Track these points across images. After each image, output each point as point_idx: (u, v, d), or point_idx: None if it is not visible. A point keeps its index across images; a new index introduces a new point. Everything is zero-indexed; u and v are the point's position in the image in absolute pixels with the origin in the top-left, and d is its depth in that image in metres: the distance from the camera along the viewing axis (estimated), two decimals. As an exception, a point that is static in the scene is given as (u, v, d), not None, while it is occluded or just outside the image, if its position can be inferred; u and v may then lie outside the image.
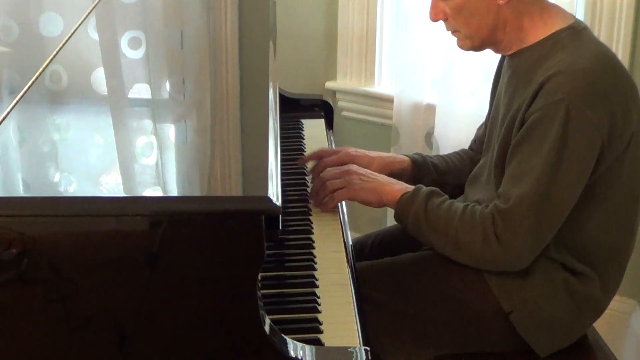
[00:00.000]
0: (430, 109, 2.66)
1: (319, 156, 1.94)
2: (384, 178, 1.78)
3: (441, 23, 1.73)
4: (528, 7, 1.66)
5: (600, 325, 1.82)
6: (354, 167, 1.80)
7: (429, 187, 1.71)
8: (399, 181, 1.78)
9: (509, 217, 1.58)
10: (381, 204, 1.75)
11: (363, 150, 1.95)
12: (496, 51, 1.76)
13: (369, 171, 1.80)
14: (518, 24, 1.67)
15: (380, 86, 2.88)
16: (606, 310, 1.76)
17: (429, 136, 2.69)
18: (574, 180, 1.58)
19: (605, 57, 1.63)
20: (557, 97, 1.55)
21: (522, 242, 1.59)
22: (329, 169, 1.82)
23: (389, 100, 2.77)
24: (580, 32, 1.65)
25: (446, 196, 1.70)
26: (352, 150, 1.94)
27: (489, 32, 1.68)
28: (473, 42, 1.71)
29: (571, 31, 1.64)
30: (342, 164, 1.90)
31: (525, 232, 1.58)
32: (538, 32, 1.66)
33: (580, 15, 2.35)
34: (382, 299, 1.71)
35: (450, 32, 1.74)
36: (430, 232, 1.67)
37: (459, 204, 1.67)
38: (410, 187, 1.72)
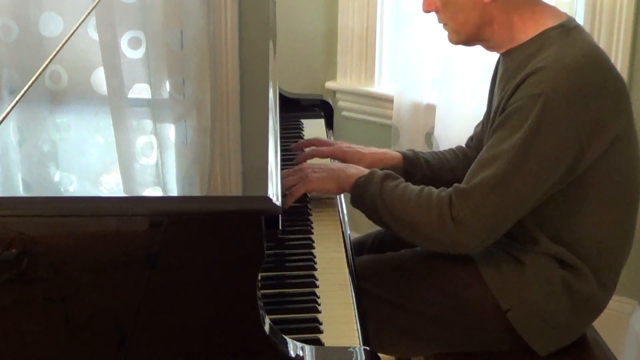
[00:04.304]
0: (430, 109, 2.66)
1: (312, 143, 1.97)
2: (338, 165, 1.80)
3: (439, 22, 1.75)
4: (517, 6, 1.66)
5: (600, 325, 1.82)
6: (307, 164, 1.83)
7: (384, 171, 1.72)
8: (355, 166, 1.79)
9: (466, 197, 1.58)
10: (340, 190, 1.76)
11: (356, 146, 1.96)
12: (487, 48, 1.77)
13: (322, 163, 1.82)
14: (507, 22, 1.67)
15: (380, 86, 2.88)
16: (606, 311, 1.76)
17: (429, 136, 2.69)
18: (539, 173, 1.58)
19: (593, 55, 1.63)
20: (536, 91, 1.56)
21: (476, 225, 1.58)
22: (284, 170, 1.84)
23: (389, 100, 2.77)
24: (571, 30, 1.65)
25: (401, 179, 1.70)
26: (345, 145, 1.96)
27: (474, 28, 1.69)
28: (459, 37, 1.73)
29: (561, 29, 1.65)
30: (333, 156, 1.92)
31: (481, 214, 1.57)
32: (528, 30, 1.67)
33: (580, 15, 2.35)
34: (382, 293, 1.71)
35: (442, 25, 1.75)
36: (387, 215, 1.67)
37: (414, 186, 1.67)
38: (366, 171, 1.73)
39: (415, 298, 1.72)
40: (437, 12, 1.73)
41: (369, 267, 1.74)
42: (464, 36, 1.72)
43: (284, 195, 1.74)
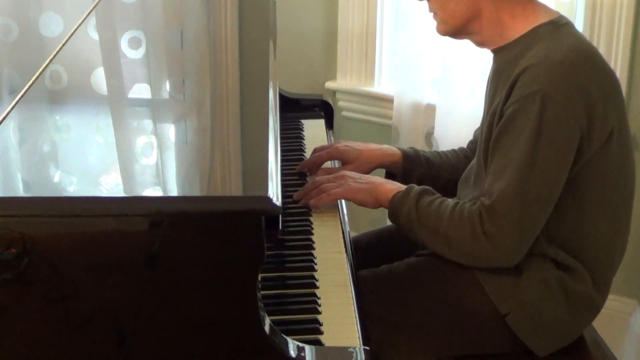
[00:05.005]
0: (430, 109, 2.66)
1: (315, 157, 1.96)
2: (377, 179, 1.79)
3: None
4: (509, 3, 1.66)
5: (600, 325, 1.82)
6: (347, 172, 1.82)
7: (421, 186, 1.72)
8: (393, 181, 1.79)
9: (493, 212, 1.58)
10: (377, 205, 1.76)
11: (352, 144, 1.97)
12: (476, 44, 1.76)
13: (361, 174, 1.82)
14: (497, 18, 1.67)
15: (380, 86, 2.88)
16: (606, 310, 1.76)
17: (429, 136, 2.69)
18: (554, 171, 1.58)
19: (584, 50, 1.63)
20: (532, 89, 1.56)
21: (509, 237, 1.59)
22: (323, 174, 1.83)
23: (389, 100, 2.77)
24: (561, 26, 1.65)
25: (438, 194, 1.70)
26: (342, 145, 1.96)
27: (463, 20, 1.69)
28: (446, 28, 1.73)
29: (551, 26, 1.65)
30: (331, 158, 1.93)
31: (511, 226, 1.58)
32: (519, 27, 1.67)
33: (580, 15, 2.36)
34: (381, 314, 1.69)
35: (432, 14, 1.75)
36: (422, 230, 1.67)
37: (449, 201, 1.67)
38: (403, 187, 1.73)
39: (414, 312, 1.71)
40: (428, 0, 1.73)
41: (364, 286, 1.72)
42: (451, 27, 1.72)
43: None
